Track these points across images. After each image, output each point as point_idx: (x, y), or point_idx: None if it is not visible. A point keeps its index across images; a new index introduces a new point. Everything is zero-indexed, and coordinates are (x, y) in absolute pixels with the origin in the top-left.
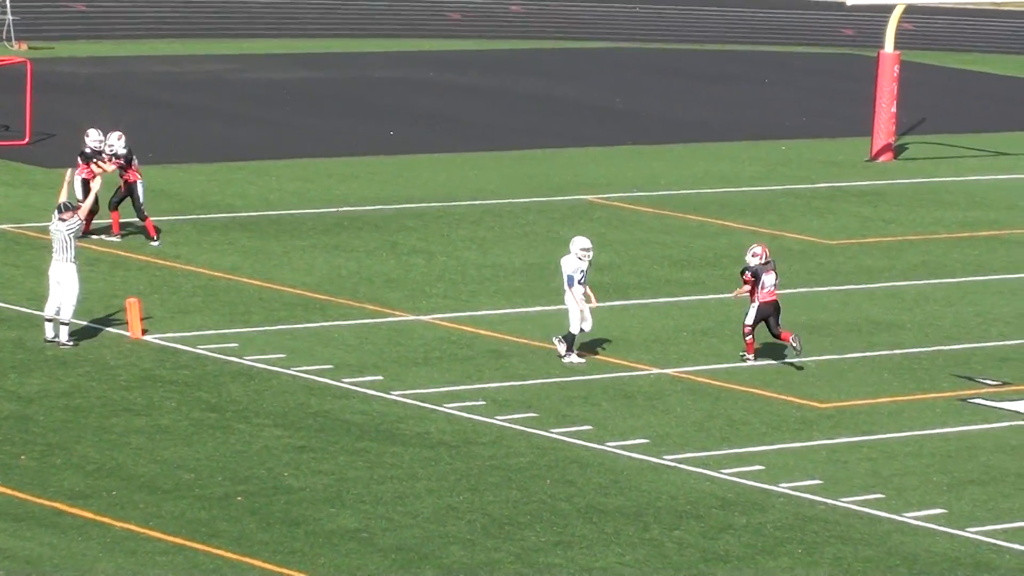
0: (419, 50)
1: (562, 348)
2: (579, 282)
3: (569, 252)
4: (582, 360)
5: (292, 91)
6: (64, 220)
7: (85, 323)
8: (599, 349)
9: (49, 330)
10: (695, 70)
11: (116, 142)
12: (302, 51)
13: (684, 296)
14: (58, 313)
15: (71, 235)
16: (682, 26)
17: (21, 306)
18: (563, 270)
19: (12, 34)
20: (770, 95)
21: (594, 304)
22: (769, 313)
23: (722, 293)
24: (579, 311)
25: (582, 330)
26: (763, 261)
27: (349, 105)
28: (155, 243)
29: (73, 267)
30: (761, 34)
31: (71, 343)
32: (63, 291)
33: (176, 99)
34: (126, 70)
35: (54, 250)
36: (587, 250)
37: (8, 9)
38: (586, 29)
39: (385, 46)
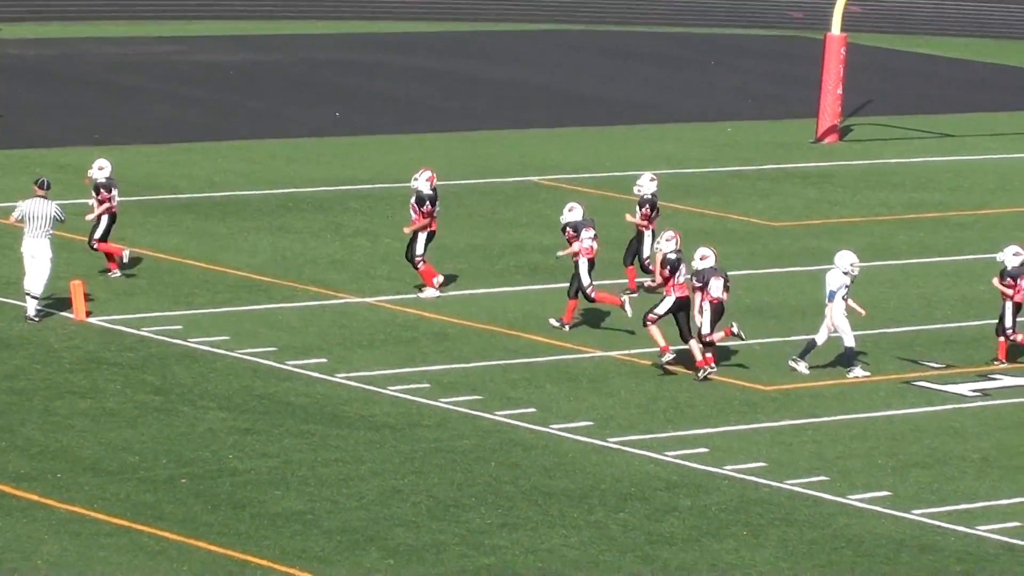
0: (366, 32)
1: (802, 367)
2: (842, 297)
3: (835, 266)
4: (806, 370)
5: (238, 73)
6: (47, 198)
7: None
8: (541, 332)
9: (31, 308)
10: (641, 52)
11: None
12: (248, 33)
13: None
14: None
15: (60, 213)
16: (628, 8)
17: None
18: (827, 285)
19: None
20: (716, 77)
21: (862, 315)
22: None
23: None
24: (833, 325)
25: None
26: (677, 248)
27: (295, 87)
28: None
29: (48, 242)
30: (708, 16)
31: (37, 319)
32: (40, 267)
33: (122, 81)
34: (72, 52)
35: (31, 227)
36: (855, 265)
37: None
38: (531, 11)
39: (332, 28)
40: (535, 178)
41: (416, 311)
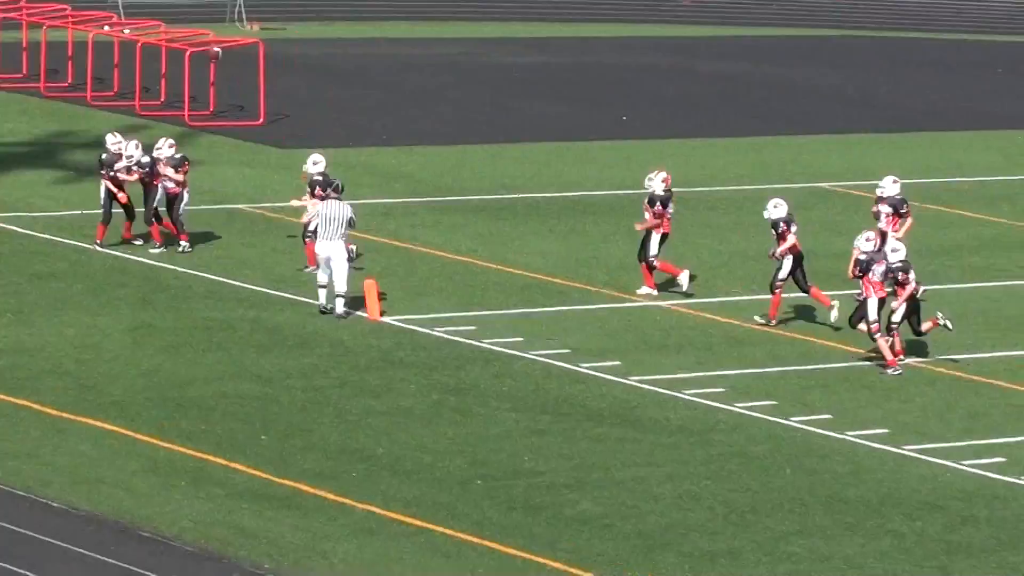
0: (651, 35)
1: None
2: None
3: None
4: None
5: (526, 75)
6: (340, 199)
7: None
8: (836, 337)
9: (323, 296)
10: (928, 58)
11: (135, 151)
12: (536, 35)
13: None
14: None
15: (351, 215)
16: (915, 14)
17: (259, 286)
18: None
19: (244, 15)
20: (1004, 85)
21: None
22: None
23: (958, 283)
24: None
25: None
26: (876, 249)
27: (582, 89)
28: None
29: (342, 244)
30: (994, 23)
31: (345, 312)
32: (335, 267)
33: (410, 81)
34: (360, 52)
35: (325, 229)
36: None
37: None
38: (819, 17)
39: (617, 31)
40: (825, 184)
41: (710, 315)
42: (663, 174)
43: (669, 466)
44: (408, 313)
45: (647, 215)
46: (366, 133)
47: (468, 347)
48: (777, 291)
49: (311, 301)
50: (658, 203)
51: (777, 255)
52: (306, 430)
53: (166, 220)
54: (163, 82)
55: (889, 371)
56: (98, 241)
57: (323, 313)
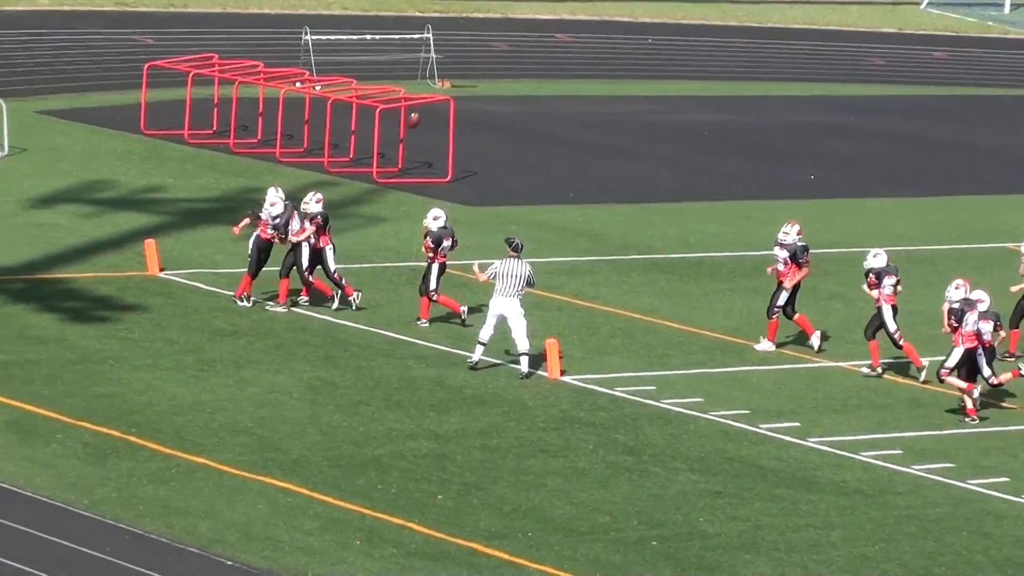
0: (840, 94)
1: None
2: None
3: None
4: None
5: (713, 133)
6: (520, 258)
7: (502, 363)
8: (1016, 400)
9: (478, 353)
10: None
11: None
12: (723, 93)
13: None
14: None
15: (531, 273)
16: None
17: (441, 344)
18: None
19: (435, 72)
20: None
21: None
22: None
23: None
24: None
25: None
26: (965, 297)
27: (769, 148)
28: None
29: (518, 302)
30: None
31: (529, 372)
32: (514, 326)
33: (596, 139)
34: (546, 109)
35: (502, 286)
36: None
37: (432, 48)
38: (1008, 76)
39: (806, 90)
40: (1009, 244)
41: (890, 377)
42: (796, 226)
43: (844, 528)
44: (588, 372)
45: (782, 267)
46: (552, 190)
47: (647, 407)
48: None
49: (494, 360)
50: (802, 254)
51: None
52: (482, 489)
53: (317, 279)
54: (352, 139)
55: (967, 419)
56: (246, 294)
57: (472, 369)
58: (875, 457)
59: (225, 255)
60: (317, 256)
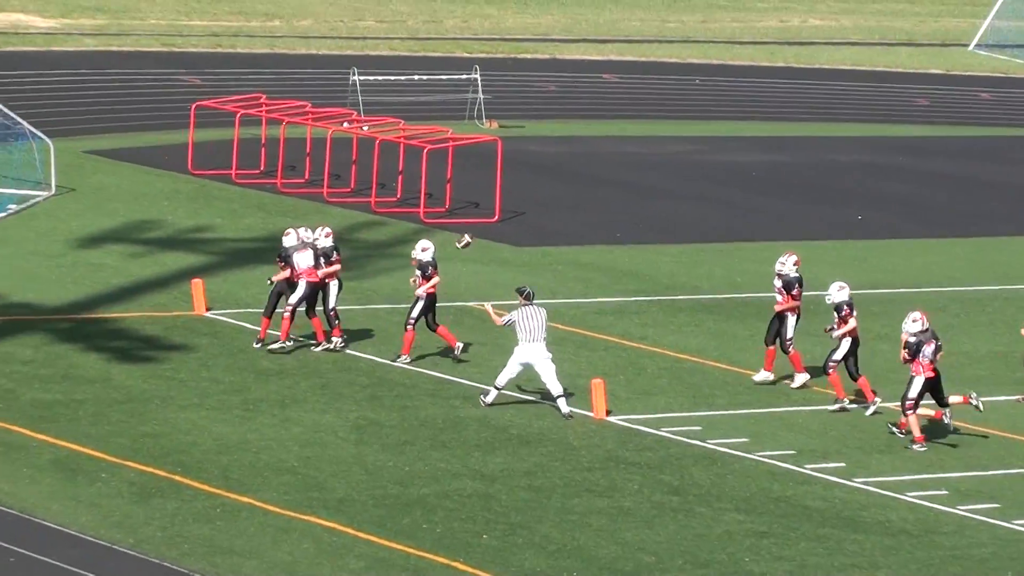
0: (887, 135)
1: None
2: None
3: None
4: None
5: (760, 173)
6: (533, 304)
7: (548, 403)
8: None
9: (491, 396)
10: None
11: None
12: (767, 134)
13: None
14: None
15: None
16: None
17: (487, 384)
18: None
19: (483, 112)
20: None
21: None
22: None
23: None
24: None
25: None
26: (923, 329)
27: (815, 188)
28: (320, 347)
29: (543, 345)
30: None
31: (571, 412)
32: (543, 371)
33: (644, 180)
34: (594, 150)
35: (524, 335)
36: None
37: (479, 88)
38: None
39: (853, 130)
40: None
41: (927, 413)
42: (794, 257)
43: (890, 568)
44: (634, 412)
45: (780, 297)
46: (599, 231)
47: (693, 447)
48: (831, 371)
49: (537, 401)
50: (796, 286)
51: (835, 336)
52: (527, 528)
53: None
54: (400, 179)
55: (916, 447)
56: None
57: (487, 405)
58: (920, 497)
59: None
60: (320, 292)
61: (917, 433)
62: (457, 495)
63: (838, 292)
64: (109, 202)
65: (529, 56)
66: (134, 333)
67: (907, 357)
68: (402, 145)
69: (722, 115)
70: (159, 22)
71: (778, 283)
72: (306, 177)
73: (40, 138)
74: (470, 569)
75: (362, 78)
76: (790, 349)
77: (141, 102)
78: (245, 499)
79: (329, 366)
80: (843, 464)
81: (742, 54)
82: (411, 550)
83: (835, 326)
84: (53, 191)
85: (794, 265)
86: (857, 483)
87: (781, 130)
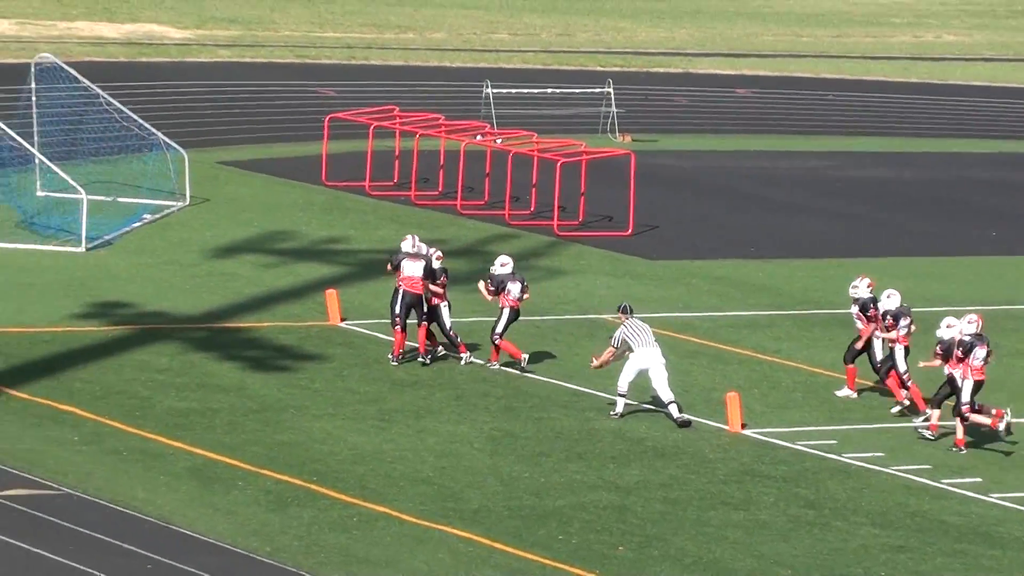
0: (1019, 151)
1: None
2: None
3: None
4: None
5: (892, 189)
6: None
7: (688, 416)
8: None
9: (620, 405)
10: None
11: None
12: (903, 150)
13: None
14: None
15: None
16: None
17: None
18: None
19: (616, 126)
20: None
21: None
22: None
23: None
24: None
25: None
26: (977, 332)
27: (949, 204)
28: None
29: (659, 349)
30: None
31: (685, 418)
32: (656, 377)
33: (777, 194)
34: (727, 164)
35: (639, 339)
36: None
37: (612, 102)
38: None
39: (988, 146)
40: None
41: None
42: (867, 279)
43: None
44: (770, 426)
45: (860, 324)
46: (733, 245)
47: (829, 461)
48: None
49: (655, 411)
50: (870, 308)
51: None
52: (663, 541)
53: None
54: (533, 192)
55: (954, 450)
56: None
57: (615, 416)
58: None
59: None
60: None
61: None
62: (593, 507)
63: (887, 300)
64: (243, 212)
65: (662, 70)
66: (269, 342)
67: (960, 356)
68: (536, 158)
69: (855, 130)
70: (293, 33)
71: (855, 309)
72: (440, 189)
73: (175, 149)
74: None
75: (495, 91)
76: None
77: (274, 113)
78: (381, 508)
79: (464, 377)
80: (979, 479)
81: (875, 69)
82: (547, 561)
83: (887, 327)
84: (187, 202)
85: (868, 287)
86: (994, 498)
87: (914, 145)
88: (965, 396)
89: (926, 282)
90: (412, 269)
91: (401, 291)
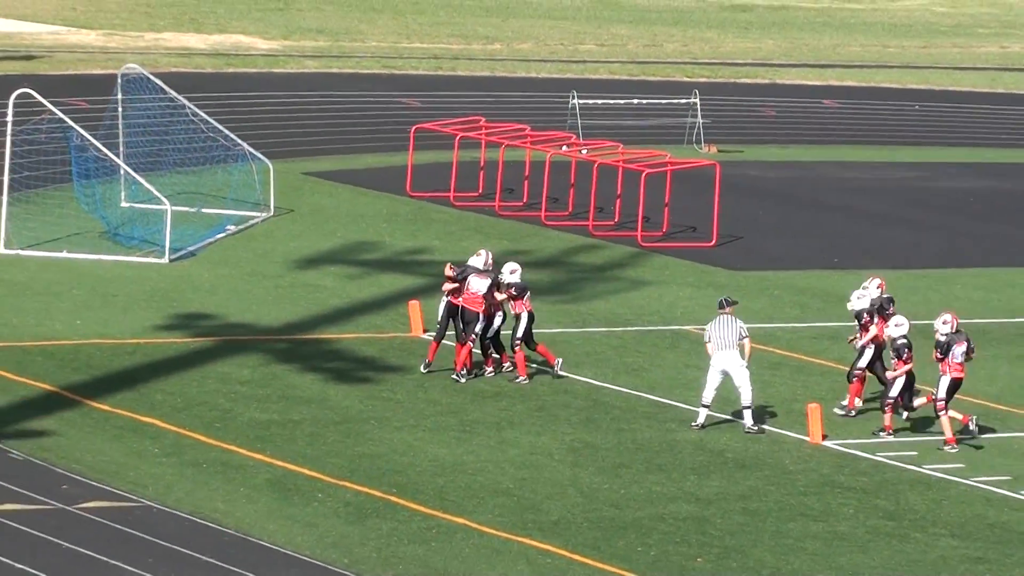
0: None
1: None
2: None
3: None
4: None
5: (979, 199)
6: (732, 314)
7: (768, 427)
8: None
9: (701, 417)
10: None
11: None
12: (989, 160)
13: None
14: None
15: (743, 330)
16: None
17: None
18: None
19: (702, 137)
20: None
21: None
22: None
23: None
24: None
25: None
26: (954, 331)
27: None
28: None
29: (737, 353)
30: None
31: (756, 428)
32: (737, 376)
33: (862, 205)
34: (813, 175)
35: (718, 340)
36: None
37: (699, 113)
38: None
39: None
40: None
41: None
42: (877, 280)
43: None
44: (850, 437)
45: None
46: (817, 256)
47: (908, 472)
48: (855, 379)
49: (733, 421)
50: (865, 315)
51: (857, 345)
52: (741, 552)
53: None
54: (618, 203)
55: (947, 448)
56: (429, 361)
57: (697, 427)
58: None
59: None
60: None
61: (949, 435)
62: (672, 518)
63: (857, 301)
64: (327, 223)
65: (748, 81)
66: (351, 354)
67: (939, 356)
68: (621, 169)
69: (942, 141)
70: (380, 44)
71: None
72: (524, 200)
73: (260, 159)
74: None
75: (581, 102)
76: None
77: (360, 124)
78: (460, 520)
79: (545, 388)
80: None
81: (963, 80)
82: (626, 573)
83: (858, 336)
84: (272, 212)
85: (878, 288)
86: None
87: (1002, 156)
88: (940, 392)
89: (1011, 292)
90: (479, 286)
91: (451, 305)
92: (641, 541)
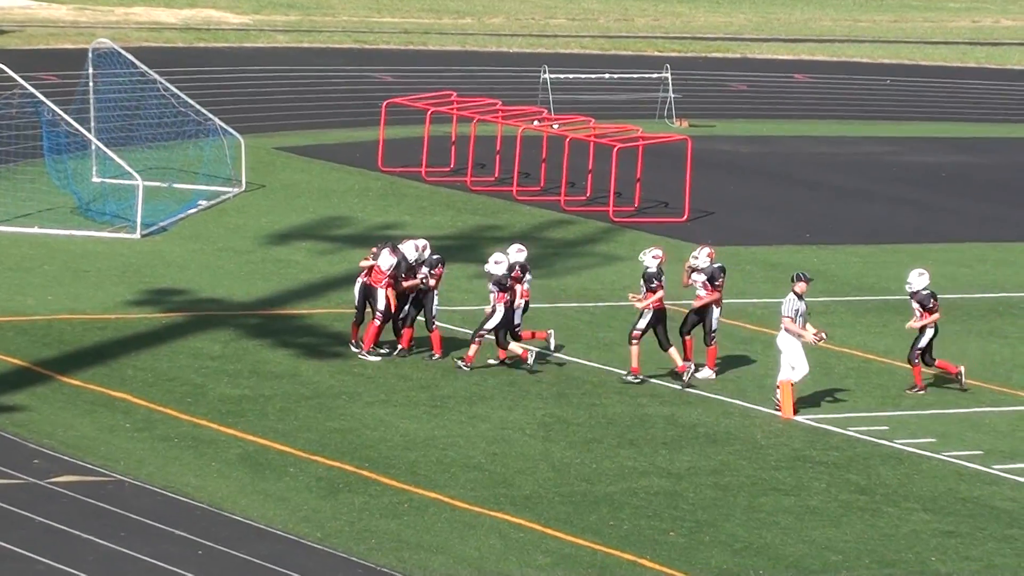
0: None
1: None
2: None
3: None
4: None
5: (950, 174)
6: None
7: (739, 402)
8: None
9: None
10: None
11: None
12: (958, 135)
13: None
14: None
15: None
16: None
17: (674, 383)
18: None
19: (673, 112)
20: None
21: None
22: None
23: None
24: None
25: None
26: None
27: (1007, 190)
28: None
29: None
30: None
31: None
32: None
33: (833, 180)
34: (784, 150)
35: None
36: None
37: (670, 87)
38: None
39: None
40: None
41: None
42: (707, 250)
43: None
44: (821, 412)
45: (703, 291)
46: (788, 231)
47: (880, 447)
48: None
49: (724, 399)
50: (719, 277)
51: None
52: (714, 526)
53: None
54: (590, 177)
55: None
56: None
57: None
58: None
59: (460, 292)
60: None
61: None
62: (644, 492)
63: (496, 265)
64: (298, 199)
65: (720, 55)
66: (322, 329)
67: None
68: (592, 144)
69: (913, 115)
70: (351, 19)
71: (701, 277)
72: (496, 175)
73: (231, 134)
74: (656, 566)
75: (552, 76)
76: (712, 342)
77: (332, 99)
78: (432, 495)
79: (516, 363)
80: None
81: (933, 54)
82: (598, 547)
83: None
84: (243, 187)
85: (708, 257)
86: None
87: (972, 131)
88: (922, 343)
89: (982, 268)
90: (382, 261)
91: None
92: (613, 515)
